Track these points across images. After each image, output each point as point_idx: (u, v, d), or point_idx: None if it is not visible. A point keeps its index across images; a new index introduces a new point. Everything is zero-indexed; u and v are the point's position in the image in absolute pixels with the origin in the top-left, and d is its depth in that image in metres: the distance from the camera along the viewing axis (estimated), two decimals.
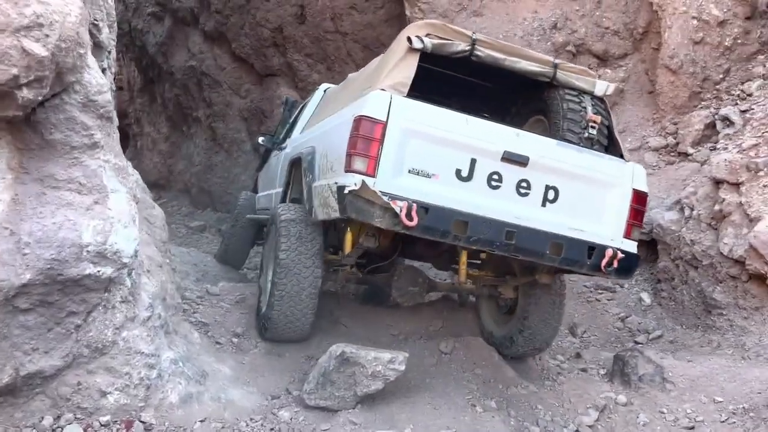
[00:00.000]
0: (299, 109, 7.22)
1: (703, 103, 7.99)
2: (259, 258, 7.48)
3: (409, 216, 3.65)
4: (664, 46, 8.24)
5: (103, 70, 4.24)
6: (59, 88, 2.83)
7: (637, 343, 6.10)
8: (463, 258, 4.82)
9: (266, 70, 16.02)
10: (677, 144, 8.00)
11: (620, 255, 4.12)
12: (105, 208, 3.16)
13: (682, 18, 8.00)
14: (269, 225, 5.05)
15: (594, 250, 4.11)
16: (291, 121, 7.27)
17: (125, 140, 26.99)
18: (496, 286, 5.29)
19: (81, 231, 3.04)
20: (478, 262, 5.25)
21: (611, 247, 4.12)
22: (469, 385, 4.63)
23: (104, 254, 3.17)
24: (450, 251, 5.01)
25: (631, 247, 4.28)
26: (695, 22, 7.90)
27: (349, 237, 4.49)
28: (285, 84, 15.86)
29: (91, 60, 3.12)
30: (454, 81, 4.99)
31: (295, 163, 5.34)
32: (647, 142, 8.38)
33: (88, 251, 3.08)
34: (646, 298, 6.83)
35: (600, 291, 7.21)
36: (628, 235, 4.26)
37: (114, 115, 3.49)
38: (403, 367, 4.06)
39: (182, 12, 17.55)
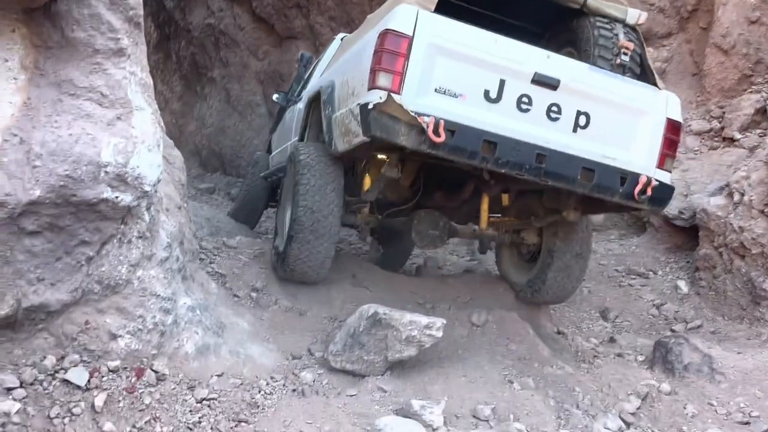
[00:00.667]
0: (315, 63, 6.98)
1: (753, 87, 7.55)
2: (271, 223, 7.47)
3: (436, 132, 3.49)
4: (716, 25, 7.77)
5: None
6: None
7: (673, 331, 5.72)
8: (485, 204, 4.76)
9: (287, 32, 15.52)
10: (722, 128, 7.57)
11: (654, 182, 3.96)
12: (128, 125, 2.77)
13: None
14: (287, 163, 4.89)
15: (626, 178, 3.94)
16: (306, 76, 7.06)
17: None
18: (518, 232, 5.12)
19: (100, 148, 2.65)
20: (497, 216, 5.15)
21: (644, 174, 3.96)
22: (504, 360, 4.27)
23: (124, 178, 2.79)
24: (470, 201, 4.89)
25: (665, 177, 4.10)
26: (753, 0, 7.42)
27: (368, 178, 4.40)
28: (305, 47, 15.32)
29: None
30: (482, 18, 4.62)
31: (314, 100, 5.13)
32: (689, 126, 7.94)
33: (106, 172, 2.70)
34: (683, 286, 6.45)
35: (633, 276, 6.84)
36: (661, 166, 4.09)
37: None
38: (440, 334, 3.70)
39: None
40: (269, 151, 8.05)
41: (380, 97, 3.51)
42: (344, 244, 9.97)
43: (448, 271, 7.53)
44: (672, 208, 6.96)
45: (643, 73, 4.30)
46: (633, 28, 4.37)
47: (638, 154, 4.06)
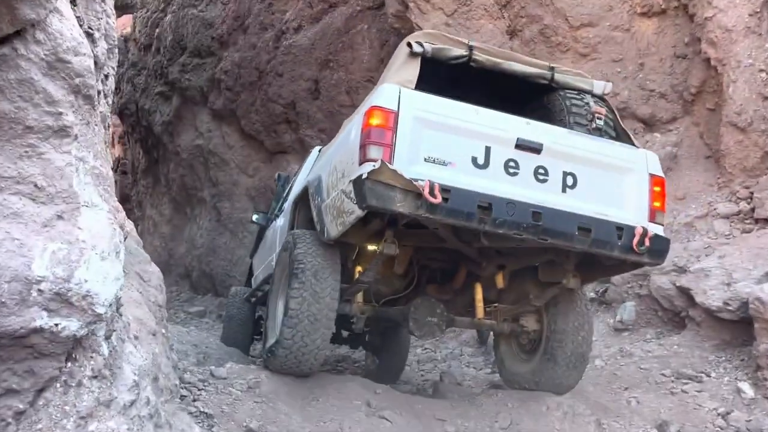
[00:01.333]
0: (293, 180, 7.08)
1: None
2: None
3: (432, 193, 3.52)
4: (728, 103, 7.41)
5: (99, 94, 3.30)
6: (10, 26, 1.82)
7: None
8: (479, 293, 4.79)
9: (276, 148, 15.34)
10: (753, 209, 7.00)
11: (651, 233, 3.97)
12: (73, 226, 2.07)
13: (748, 71, 7.22)
14: (281, 253, 4.86)
15: (623, 230, 3.95)
16: (285, 194, 7.14)
17: None
18: (517, 320, 5.02)
19: (31, 257, 1.94)
20: (492, 306, 5.13)
21: (640, 225, 3.98)
22: None
23: (67, 297, 2.05)
24: (464, 292, 4.91)
25: (658, 231, 4.12)
26: (764, 75, 7.10)
27: (359, 267, 4.47)
28: (295, 161, 15.09)
29: (65, 6, 2.12)
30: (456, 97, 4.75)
31: (300, 198, 5.24)
32: (715, 209, 7.39)
33: (40, 290, 1.97)
34: (747, 389, 5.58)
35: (684, 380, 5.96)
36: (652, 219, 4.14)
37: (99, 100, 2.47)
38: None
39: (191, 91, 17.10)
40: (249, 276, 8.00)
41: (374, 165, 3.57)
42: (347, 362, 9.05)
43: (469, 386, 6.62)
44: (715, 299, 6.24)
45: (619, 137, 4.41)
46: (601, 98, 4.54)
47: (629, 209, 4.10)
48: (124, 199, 25.75)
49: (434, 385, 6.24)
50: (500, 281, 4.79)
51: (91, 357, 2.37)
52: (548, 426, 4.40)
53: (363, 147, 3.72)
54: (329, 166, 4.47)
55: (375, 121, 3.71)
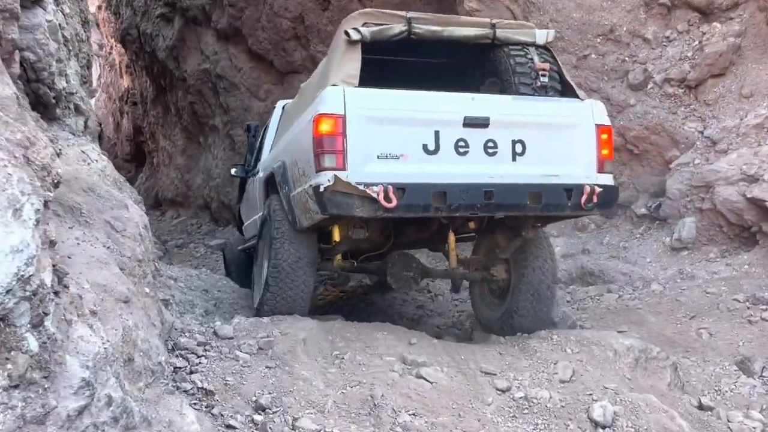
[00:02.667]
0: (263, 131, 7.14)
1: None
2: None
3: (387, 198, 3.72)
4: None
5: None
6: None
7: None
8: (452, 242, 4.90)
9: (287, 67, 14.30)
10: None
11: (598, 190, 4.18)
12: None
13: None
14: (264, 218, 5.05)
15: (572, 191, 4.16)
16: (258, 145, 7.23)
17: (142, 158, 25.61)
18: (488, 268, 5.21)
19: None
20: (470, 235, 5.41)
21: (587, 184, 4.18)
22: None
23: None
24: (440, 231, 4.96)
25: (608, 180, 4.35)
26: None
27: (336, 230, 4.42)
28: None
29: None
30: (406, 66, 4.98)
31: (270, 181, 5.30)
32: None
33: None
34: None
35: (763, 307, 5.20)
36: (601, 170, 4.32)
37: None
38: None
39: (193, 10, 15.94)
40: (240, 222, 8.10)
41: (328, 180, 3.75)
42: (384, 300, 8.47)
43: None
44: None
45: (565, 88, 4.49)
46: (545, 48, 4.58)
47: (578, 165, 4.27)
48: (136, 131, 25.02)
49: (474, 324, 5.58)
50: (472, 224, 4.92)
51: (6, 359, 1.65)
52: (617, 375, 3.69)
53: (316, 156, 3.87)
54: (291, 157, 4.58)
55: (324, 128, 3.82)
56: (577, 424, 3.10)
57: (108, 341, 2.20)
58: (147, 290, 3.08)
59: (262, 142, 6.96)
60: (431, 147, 3.98)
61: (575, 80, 8.12)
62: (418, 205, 3.87)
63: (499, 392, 3.43)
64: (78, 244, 2.58)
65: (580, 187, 4.15)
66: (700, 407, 3.77)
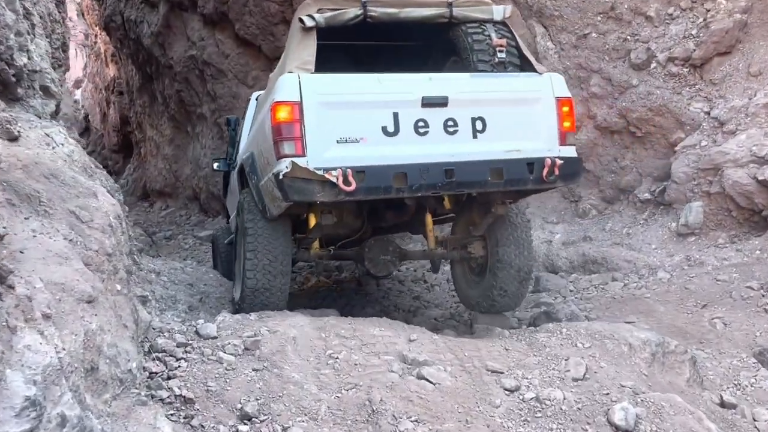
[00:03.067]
0: (242, 124, 7.06)
1: None
2: None
3: (346, 182, 3.72)
4: None
5: None
6: None
7: None
8: (429, 223, 4.98)
9: (275, 52, 13.86)
10: None
11: (559, 162, 4.16)
12: None
13: None
14: (238, 210, 5.02)
15: (533, 165, 4.16)
16: (238, 139, 7.13)
17: (130, 148, 25.14)
18: (465, 246, 5.22)
19: None
20: (449, 216, 5.46)
21: (548, 157, 4.16)
22: None
23: None
24: (417, 214, 5.01)
25: (570, 152, 4.31)
26: None
27: (312, 218, 4.44)
28: None
29: None
30: (366, 50, 4.99)
31: (242, 173, 5.25)
32: None
33: None
34: None
35: None
36: (563, 143, 4.30)
37: None
38: None
39: None
40: (226, 214, 8.10)
41: (286, 167, 3.75)
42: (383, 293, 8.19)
43: (518, 320, 5.66)
44: None
45: (524, 63, 4.50)
46: (503, 23, 4.55)
47: (539, 139, 4.24)
48: (123, 121, 24.53)
49: (475, 316, 5.30)
50: (447, 204, 4.90)
51: None
52: (634, 371, 3.42)
53: (275, 143, 3.88)
54: (257, 147, 4.54)
55: (281, 115, 3.82)
56: (596, 429, 2.82)
57: (64, 349, 1.90)
58: (119, 287, 2.77)
59: (240, 135, 6.93)
60: (390, 129, 3.98)
61: (575, 60, 7.85)
62: (378, 186, 3.88)
63: (507, 392, 3.14)
64: (34, 236, 2.26)
65: (541, 161, 4.15)
66: (722, 404, 3.51)
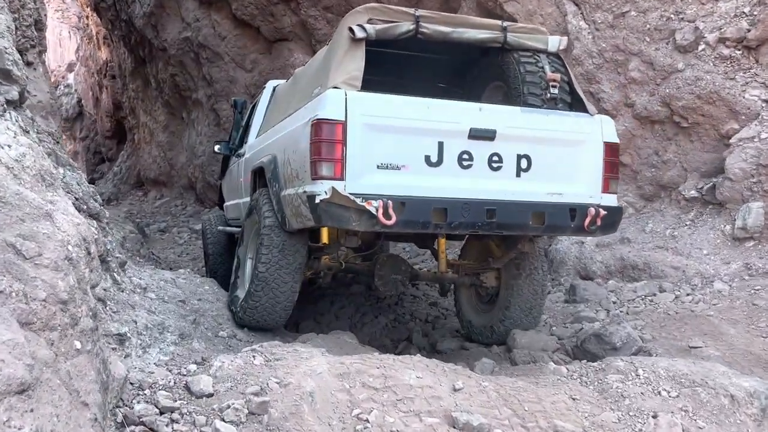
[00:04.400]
0: (250, 109, 6.84)
1: None
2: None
3: (386, 215, 3.52)
4: None
5: None
6: None
7: None
8: (442, 246, 4.94)
9: (275, 34, 13.07)
10: None
11: (602, 213, 4.02)
12: None
13: None
14: (253, 211, 4.81)
15: (576, 211, 4.00)
16: (244, 123, 6.89)
17: (123, 134, 24.28)
18: (478, 274, 5.15)
19: None
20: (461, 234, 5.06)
21: (592, 205, 4.03)
22: None
23: None
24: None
25: (612, 200, 4.19)
26: None
27: (325, 232, 4.44)
28: (299, 49, 12.92)
29: None
30: (408, 57, 4.74)
31: (259, 173, 4.99)
32: None
33: None
34: None
35: None
36: (606, 190, 4.16)
37: None
38: None
39: None
40: (221, 199, 7.98)
41: (325, 192, 3.52)
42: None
43: (558, 339, 4.95)
44: None
45: (575, 100, 4.30)
46: (557, 56, 4.38)
47: (583, 183, 4.09)
48: (116, 106, 23.65)
49: (511, 337, 4.59)
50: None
51: None
52: None
53: (313, 163, 3.62)
54: (283, 154, 4.29)
55: (323, 134, 3.57)
56: None
57: None
58: (78, 345, 2.04)
59: (249, 122, 6.55)
60: (434, 159, 3.76)
61: (611, 42, 7.06)
62: (417, 221, 3.68)
63: None
64: None
65: (584, 208, 4.00)
66: None
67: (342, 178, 3.55)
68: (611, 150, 4.16)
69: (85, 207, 3.55)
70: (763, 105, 5.94)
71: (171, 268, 9.31)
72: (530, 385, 3.11)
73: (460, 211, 3.73)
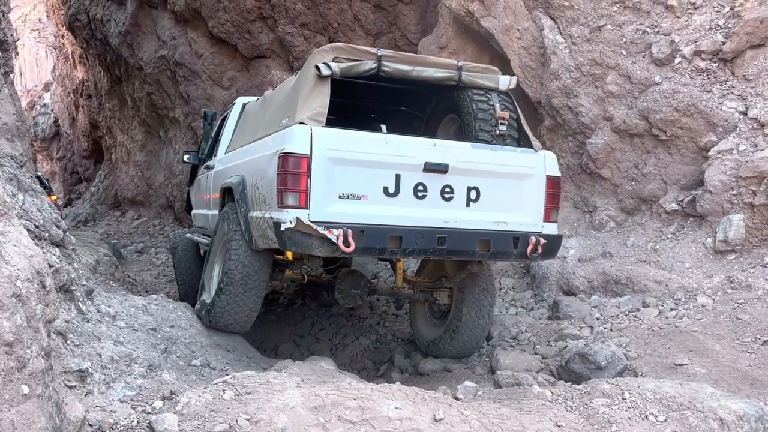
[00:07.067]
0: (219, 122, 7.03)
1: None
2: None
3: (346, 243, 3.76)
4: None
5: None
6: None
7: None
8: (400, 265, 5.35)
9: (253, 51, 12.99)
10: None
11: (543, 241, 4.35)
12: None
13: None
14: (219, 222, 5.09)
15: (519, 239, 4.33)
16: (213, 135, 7.08)
17: (100, 154, 23.95)
18: (432, 292, 5.49)
19: None
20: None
21: (534, 234, 4.37)
22: None
23: None
24: None
25: (553, 229, 4.53)
26: None
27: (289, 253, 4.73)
28: (277, 66, 12.84)
29: None
30: (370, 89, 4.97)
31: (227, 192, 5.22)
32: None
33: None
34: None
35: None
36: (547, 219, 4.48)
37: None
38: None
39: None
40: (189, 205, 8.29)
41: (290, 221, 3.76)
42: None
43: (529, 341, 4.85)
44: None
45: (522, 135, 4.63)
46: (507, 94, 4.68)
47: (527, 213, 4.41)
48: (93, 126, 23.35)
49: (495, 358, 4.47)
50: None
51: None
52: None
53: (280, 192, 3.85)
54: (251, 177, 4.51)
55: (289, 166, 3.79)
56: None
57: None
58: (25, 390, 1.89)
59: (218, 135, 6.73)
60: (391, 189, 4.03)
61: (588, 55, 7.05)
62: (374, 248, 3.93)
63: None
64: None
65: (526, 237, 4.32)
66: None
67: (306, 207, 3.78)
68: (553, 183, 4.48)
69: (46, 234, 3.39)
70: (741, 117, 5.93)
71: (147, 291, 9.09)
72: (514, 413, 2.99)
73: (414, 238, 4.01)
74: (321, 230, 3.73)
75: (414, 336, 5.83)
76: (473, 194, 4.24)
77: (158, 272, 11.42)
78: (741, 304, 4.96)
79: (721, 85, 6.18)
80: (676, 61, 6.42)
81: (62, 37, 24.43)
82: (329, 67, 4.08)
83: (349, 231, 3.76)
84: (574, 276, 6.61)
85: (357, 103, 5.39)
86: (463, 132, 4.68)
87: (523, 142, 4.60)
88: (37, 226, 3.14)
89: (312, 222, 3.74)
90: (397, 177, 4.03)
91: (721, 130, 6.05)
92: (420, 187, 4.09)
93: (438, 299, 5.43)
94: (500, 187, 4.33)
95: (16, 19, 29.41)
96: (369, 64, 4.23)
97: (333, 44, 4.38)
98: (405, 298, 5.62)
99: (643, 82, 6.57)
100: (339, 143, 3.91)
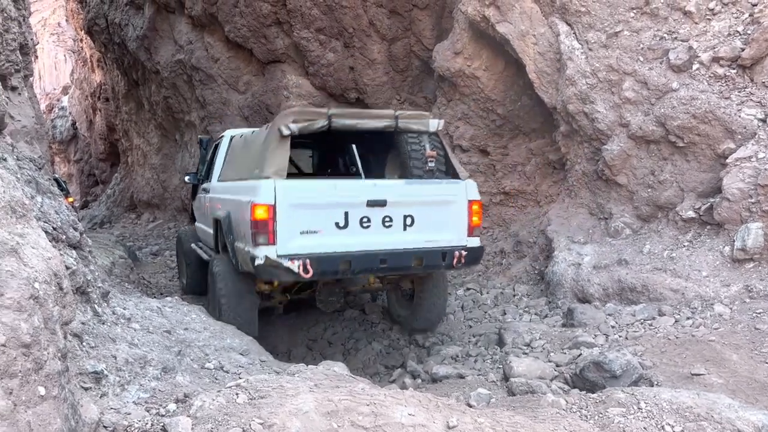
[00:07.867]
0: (213, 149, 7.91)
1: None
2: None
3: (305, 270, 4.90)
4: None
5: None
6: None
7: None
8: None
9: (268, 56, 13.05)
10: None
11: (464, 253, 5.52)
12: None
13: None
14: (209, 275, 6.18)
15: (446, 254, 5.45)
16: (208, 160, 7.98)
17: (117, 157, 24.15)
18: (398, 282, 6.56)
19: None
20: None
21: (457, 248, 5.50)
22: None
23: None
24: None
25: (475, 242, 5.68)
26: None
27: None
28: (292, 71, 12.87)
29: None
30: (343, 139, 6.38)
31: (217, 222, 6.36)
32: None
33: None
34: None
35: None
36: (470, 235, 5.62)
37: None
38: None
39: None
40: (193, 217, 9.12)
41: (260, 258, 4.88)
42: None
43: (543, 349, 4.79)
44: None
45: (449, 168, 5.80)
46: (436, 135, 5.80)
47: (453, 232, 5.55)
48: (110, 129, 23.58)
49: (508, 365, 4.44)
50: None
51: None
52: None
53: (253, 235, 4.88)
54: (234, 214, 5.58)
55: (258, 214, 4.84)
56: None
57: None
58: (42, 391, 1.90)
59: (213, 160, 7.62)
60: (342, 223, 5.09)
61: (605, 61, 7.00)
62: (328, 270, 5.03)
63: None
64: None
65: (452, 252, 5.44)
66: None
67: (274, 243, 4.84)
68: (474, 204, 5.59)
69: (63, 237, 3.42)
70: (760, 124, 5.87)
71: (162, 293, 9.14)
72: (528, 420, 2.97)
73: (360, 261, 5.06)
74: (285, 263, 4.80)
75: (390, 315, 7.12)
76: (408, 220, 5.29)
77: (173, 275, 11.48)
78: (759, 313, 4.89)
79: (739, 92, 6.12)
80: (694, 67, 6.36)
81: (81, 41, 24.70)
82: (289, 128, 5.03)
83: (308, 260, 4.85)
84: (589, 283, 6.56)
85: (321, 143, 7.14)
86: (403, 167, 5.78)
87: (450, 173, 5.70)
88: (54, 228, 3.17)
89: (279, 255, 4.80)
90: (346, 213, 5.07)
91: (739, 137, 5.99)
92: (365, 219, 5.12)
93: (403, 286, 6.62)
94: (430, 212, 5.38)
95: (35, 23, 29.83)
96: (321, 122, 5.14)
97: (292, 109, 5.53)
98: (376, 291, 6.95)
99: (660, 89, 6.52)
100: (297, 191, 4.95)
